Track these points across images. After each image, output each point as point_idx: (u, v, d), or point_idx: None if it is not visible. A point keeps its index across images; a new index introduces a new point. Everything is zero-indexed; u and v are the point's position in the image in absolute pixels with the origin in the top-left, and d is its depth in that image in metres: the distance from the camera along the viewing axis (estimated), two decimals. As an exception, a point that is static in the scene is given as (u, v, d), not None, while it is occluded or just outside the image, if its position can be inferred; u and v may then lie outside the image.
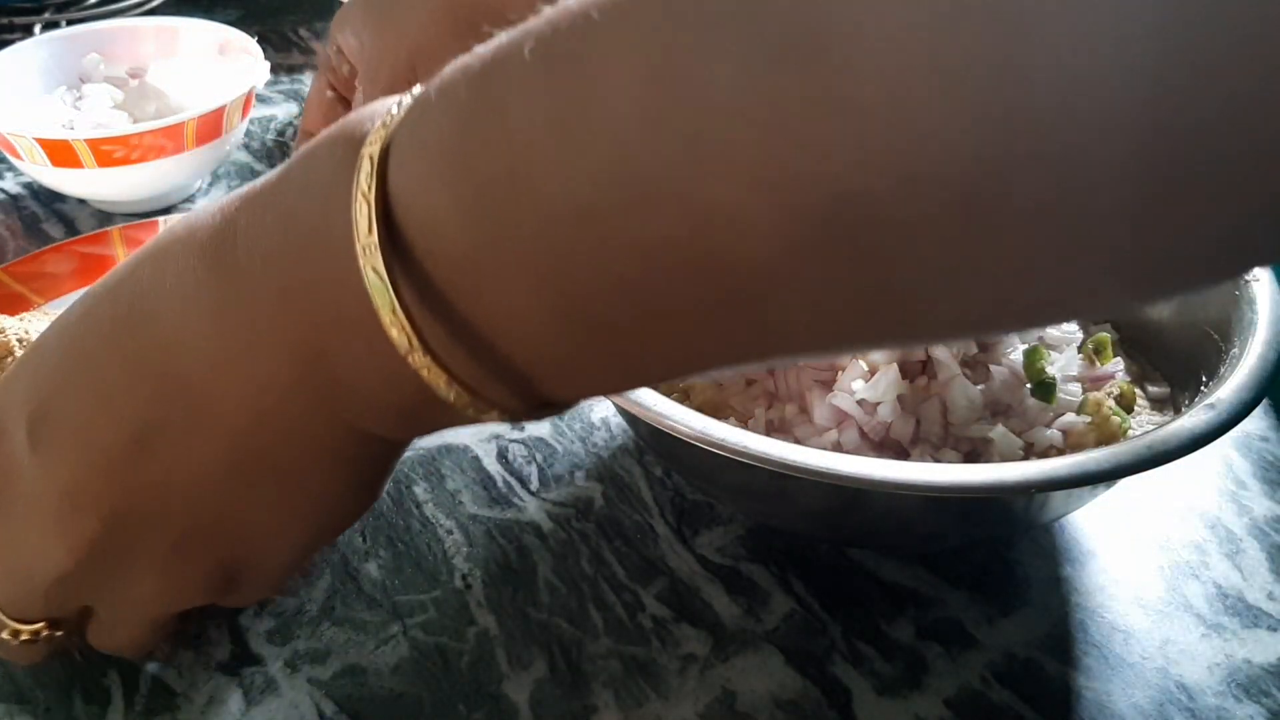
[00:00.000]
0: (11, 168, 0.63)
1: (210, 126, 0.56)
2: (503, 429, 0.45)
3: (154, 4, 0.77)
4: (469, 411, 0.24)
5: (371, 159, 0.22)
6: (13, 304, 0.49)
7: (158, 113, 0.60)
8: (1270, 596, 0.39)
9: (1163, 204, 0.16)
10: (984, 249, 0.18)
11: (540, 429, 0.46)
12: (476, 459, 0.44)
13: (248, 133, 0.66)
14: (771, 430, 0.39)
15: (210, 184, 0.63)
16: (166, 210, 0.59)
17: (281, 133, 0.68)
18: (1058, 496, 0.35)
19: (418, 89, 0.23)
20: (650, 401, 0.34)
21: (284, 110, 0.70)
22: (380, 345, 0.23)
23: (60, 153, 0.54)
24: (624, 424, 0.45)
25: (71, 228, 0.58)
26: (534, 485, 0.43)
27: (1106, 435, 0.39)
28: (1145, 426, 0.40)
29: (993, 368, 0.39)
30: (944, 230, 0.17)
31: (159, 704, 0.35)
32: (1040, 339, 0.41)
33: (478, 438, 0.45)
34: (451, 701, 0.35)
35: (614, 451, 0.45)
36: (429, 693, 0.35)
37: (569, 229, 0.20)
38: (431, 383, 0.23)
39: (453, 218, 0.22)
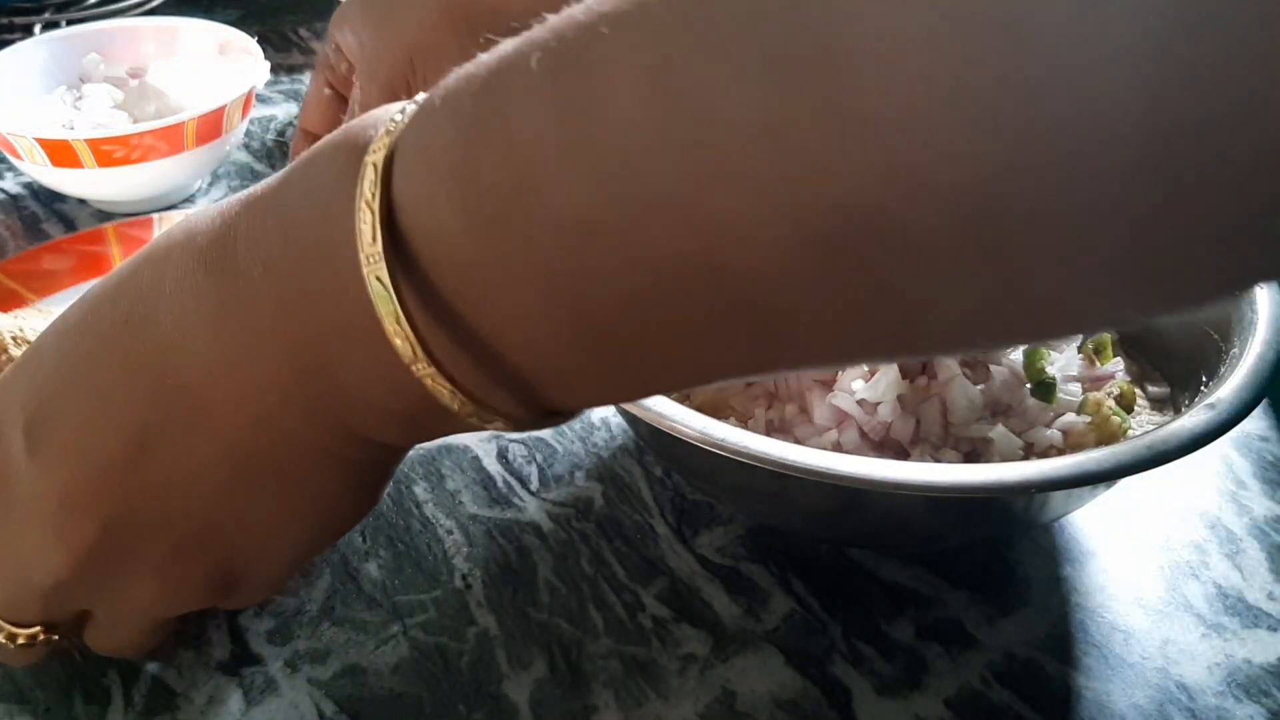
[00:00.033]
0: (11, 168, 0.63)
1: (210, 126, 0.56)
2: (503, 429, 0.45)
3: (154, 4, 0.77)
4: (473, 420, 0.24)
5: (375, 167, 0.22)
6: (7, 301, 0.49)
7: (158, 113, 0.60)
8: (1270, 596, 0.39)
9: (1167, 210, 0.16)
10: (990, 260, 0.18)
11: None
12: (476, 459, 0.44)
13: (248, 133, 0.66)
14: (771, 430, 0.39)
15: (210, 184, 0.63)
16: (166, 209, 0.59)
17: (281, 133, 0.68)
18: (1058, 496, 0.35)
19: (421, 96, 0.23)
20: (650, 401, 0.34)
21: (284, 110, 0.70)
22: (383, 354, 0.23)
23: (60, 153, 0.54)
24: (624, 424, 0.45)
25: (71, 228, 0.58)
26: (534, 485, 0.43)
27: (1106, 435, 0.39)
28: (1145, 426, 0.40)
29: (993, 368, 0.39)
30: (950, 242, 0.17)
31: (159, 704, 0.35)
32: (1040, 339, 0.41)
33: (478, 438, 0.45)
34: (451, 701, 0.35)
35: (614, 451, 0.45)
36: (429, 693, 0.35)
37: (575, 241, 0.20)
38: (435, 392, 0.23)
39: (458, 228, 0.21)
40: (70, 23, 0.73)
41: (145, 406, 0.26)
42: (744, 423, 0.39)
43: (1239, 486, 0.44)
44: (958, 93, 0.16)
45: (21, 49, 0.62)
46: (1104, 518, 0.42)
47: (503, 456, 0.44)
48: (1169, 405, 0.41)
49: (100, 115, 0.58)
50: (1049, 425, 0.39)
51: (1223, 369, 0.36)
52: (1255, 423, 0.47)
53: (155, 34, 0.65)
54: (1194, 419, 0.33)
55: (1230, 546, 0.41)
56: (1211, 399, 0.34)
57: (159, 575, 0.28)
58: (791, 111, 0.17)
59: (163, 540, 0.27)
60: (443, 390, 0.23)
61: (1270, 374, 0.35)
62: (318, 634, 0.37)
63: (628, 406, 0.34)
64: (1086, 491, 0.36)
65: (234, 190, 0.62)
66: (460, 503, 0.42)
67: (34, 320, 0.41)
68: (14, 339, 0.39)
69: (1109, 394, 0.40)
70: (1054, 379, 0.39)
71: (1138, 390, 0.42)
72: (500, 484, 0.43)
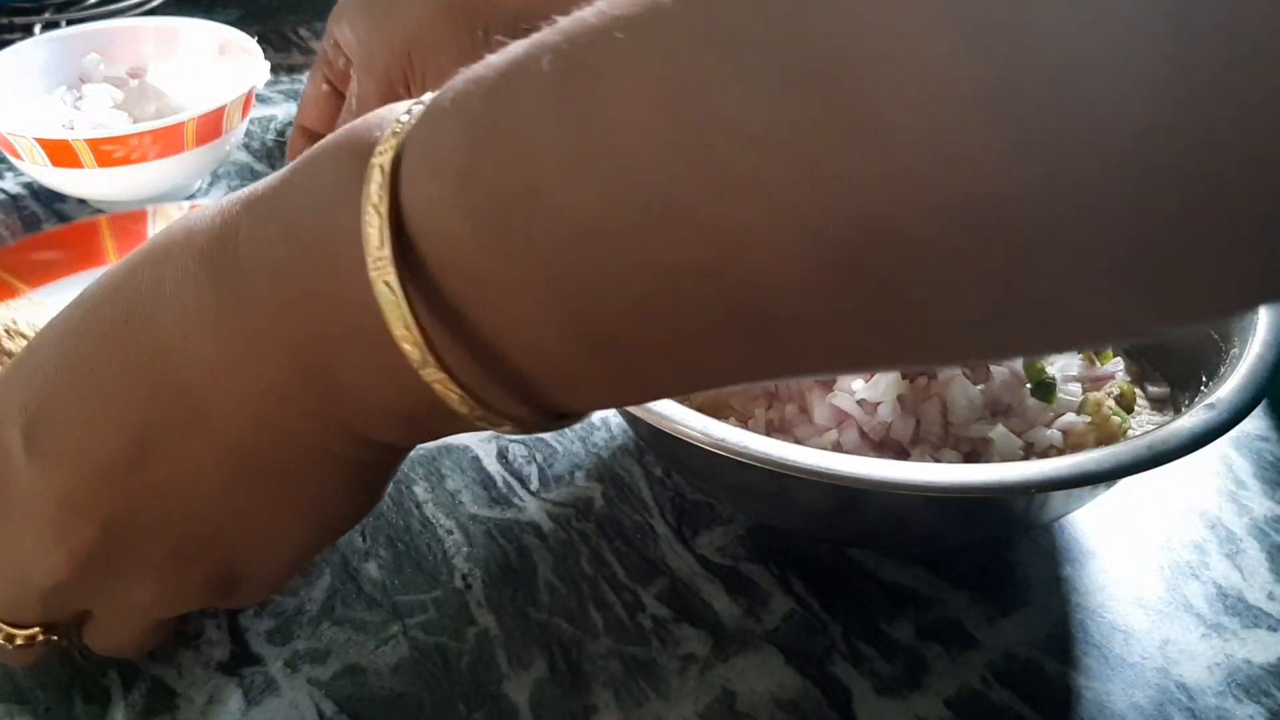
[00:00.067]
0: (11, 168, 0.63)
1: (210, 126, 0.56)
2: (503, 429, 0.45)
3: (154, 4, 0.77)
4: (481, 423, 0.24)
5: (383, 170, 0.22)
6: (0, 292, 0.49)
7: (158, 113, 0.60)
8: (1270, 596, 0.39)
9: (1184, 220, 0.16)
10: (1003, 269, 0.17)
11: (540, 429, 0.46)
12: (476, 459, 0.44)
13: (248, 133, 0.66)
14: (771, 430, 0.39)
15: (210, 184, 0.63)
16: (165, 209, 0.59)
17: (281, 133, 0.68)
18: (1058, 496, 0.35)
19: (428, 96, 0.23)
20: (650, 402, 0.34)
21: (284, 110, 0.70)
22: (389, 357, 0.23)
23: (60, 153, 0.54)
24: (624, 424, 0.45)
25: (71, 228, 0.58)
26: (534, 485, 0.43)
27: (1106, 435, 0.39)
28: (1145, 426, 0.40)
29: (993, 368, 0.39)
30: (964, 252, 0.17)
31: (159, 704, 0.35)
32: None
33: (478, 437, 0.45)
34: (451, 701, 0.35)
35: (614, 451, 0.45)
36: (429, 693, 0.35)
37: (584, 246, 0.20)
38: (444, 396, 0.23)
39: (466, 232, 0.21)
40: (70, 23, 0.73)
41: (145, 407, 0.26)
42: (744, 423, 0.39)
43: (1239, 486, 0.44)
44: (973, 102, 0.16)
45: (21, 49, 0.62)
46: (1104, 518, 0.42)
47: (503, 456, 0.44)
48: (1169, 405, 0.41)
49: (100, 115, 0.58)
50: (1049, 425, 0.39)
51: (1223, 369, 0.36)
52: (1255, 423, 0.47)
53: (155, 34, 0.65)
54: (1194, 419, 0.33)
55: (1230, 546, 0.41)
56: (1211, 399, 0.34)
57: (159, 576, 0.28)
58: (804, 121, 0.17)
59: (163, 541, 0.27)
60: (452, 394, 0.23)
61: (1270, 374, 0.35)
62: (318, 634, 0.37)
63: (629, 407, 0.34)
64: (1086, 491, 0.36)
65: (234, 190, 0.62)
66: (460, 503, 0.42)
67: (27, 311, 0.40)
68: (7, 331, 0.39)
69: (1109, 394, 0.40)
70: (1054, 379, 0.39)
71: (1138, 390, 0.42)
72: (500, 484, 0.43)
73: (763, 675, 0.36)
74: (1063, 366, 0.40)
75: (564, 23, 0.20)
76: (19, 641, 0.30)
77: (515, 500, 0.42)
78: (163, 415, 0.26)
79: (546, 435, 0.45)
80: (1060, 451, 0.38)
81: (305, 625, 0.37)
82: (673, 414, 0.33)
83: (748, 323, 0.20)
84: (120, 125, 0.58)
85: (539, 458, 0.44)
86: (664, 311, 0.20)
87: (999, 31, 0.15)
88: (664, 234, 0.19)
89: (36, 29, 0.73)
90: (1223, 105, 0.14)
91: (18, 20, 0.73)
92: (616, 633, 0.37)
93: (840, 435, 0.38)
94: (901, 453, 0.38)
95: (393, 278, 0.21)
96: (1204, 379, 0.37)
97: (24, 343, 0.38)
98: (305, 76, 0.73)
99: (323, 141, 0.25)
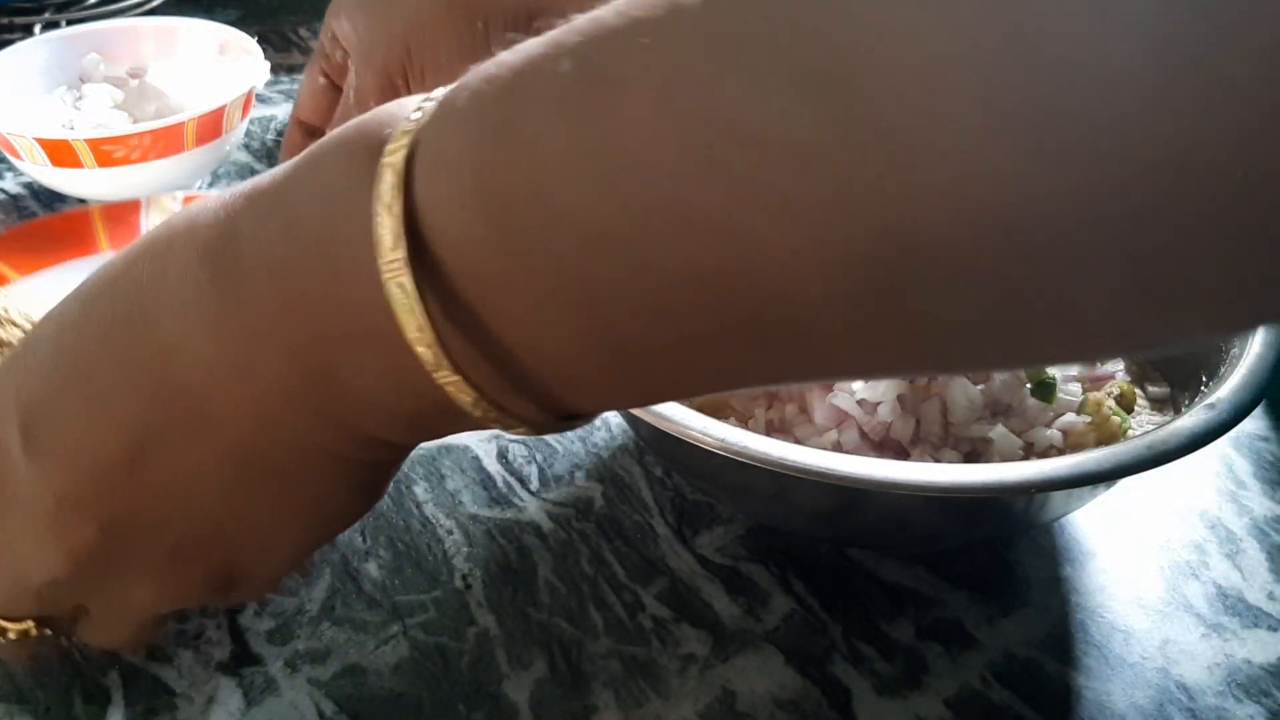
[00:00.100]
0: (11, 168, 0.63)
1: (210, 126, 0.56)
2: (503, 429, 0.45)
3: (154, 4, 0.77)
4: (493, 425, 0.23)
5: (395, 169, 0.21)
6: None
7: (158, 113, 0.60)
8: (1270, 596, 0.39)
9: (1202, 228, 0.16)
10: (1021, 281, 0.17)
11: (540, 429, 0.46)
12: (476, 459, 0.44)
13: (248, 133, 0.66)
14: (771, 430, 0.39)
15: (210, 184, 0.63)
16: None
17: (281, 133, 0.68)
18: (1058, 496, 0.35)
19: (440, 92, 0.23)
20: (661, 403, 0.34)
21: (284, 110, 0.70)
22: (397, 359, 0.22)
23: (60, 153, 0.54)
24: (624, 424, 0.45)
25: (71, 228, 0.58)
26: (534, 485, 0.43)
27: (1106, 435, 0.39)
28: (1145, 426, 0.40)
29: (993, 368, 0.39)
30: (989, 264, 0.17)
31: (159, 704, 0.35)
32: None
33: (478, 437, 0.45)
34: (451, 701, 0.35)
35: (614, 451, 0.45)
36: (429, 693, 0.35)
37: (603, 254, 0.20)
38: (457, 398, 0.22)
39: (481, 236, 0.21)
40: (70, 23, 0.73)
41: (145, 407, 0.26)
42: (744, 423, 0.39)
43: (1239, 486, 0.44)
44: (999, 115, 0.16)
45: (21, 49, 0.62)
46: (1104, 518, 0.42)
47: (503, 456, 0.44)
48: (1169, 405, 0.41)
49: (100, 115, 0.58)
50: (1049, 425, 0.39)
51: (1223, 369, 0.36)
52: (1255, 423, 0.47)
53: (155, 34, 0.65)
54: (1194, 419, 0.33)
55: (1230, 546, 0.41)
56: (1211, 399, 0.34)
57: (158, 575, 0.28)
58: (829, 132, 0.17)
59: (162, 541, 0.27)
60: (466, 397, 0.22)
61: (1270, 374, 0.35)
62: (318, 634, 0.37)
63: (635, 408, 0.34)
64: (1086, 491, 0.36)
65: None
66: (460, 503, 0.42)
67: (19, 299, 0.40)
68: None
69: (1109, 394, 0.40)
70: (1054, 379, 0.39)
71: (1138, 390, 0.42)
72: (500, 484, 0.43)
73: (763, 675, 0.36)
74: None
75: (582, 23, 0.20)
76: (11, 635, 0.30)
77: (515, 500, 0.42)
78: (163, 415, 0.26)
79: (546, 435, 0.45)
80: (1060, 451, 0.38)
81: (305, 625, 0.37)
82: (673, 414, 0.33)
83: (766, 331, 0.20)
84: (120, 125, 0.58)
85: (539, 458, 0.44)
86: (684, 319, 0.20)
87: (1024, 43, 0.15)
88: (684, 243, 0.19)
89: (36, 29, 0.73)
90: (1251, 115, 0.14)
91: (18, 20, 0.73)
92: (616, 633, 0.37)
93: (840, 435, 0.38)
94: (901, 453, 0.38)
95: (407, 280, 0.21)
96: (1204, 379, 0.37)
97: (16, 331, 0.38)
98: (305, 76, 0.73)
99: (328, 138, 0.24)
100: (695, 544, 0.41)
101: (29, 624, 0.30)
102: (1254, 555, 0.41)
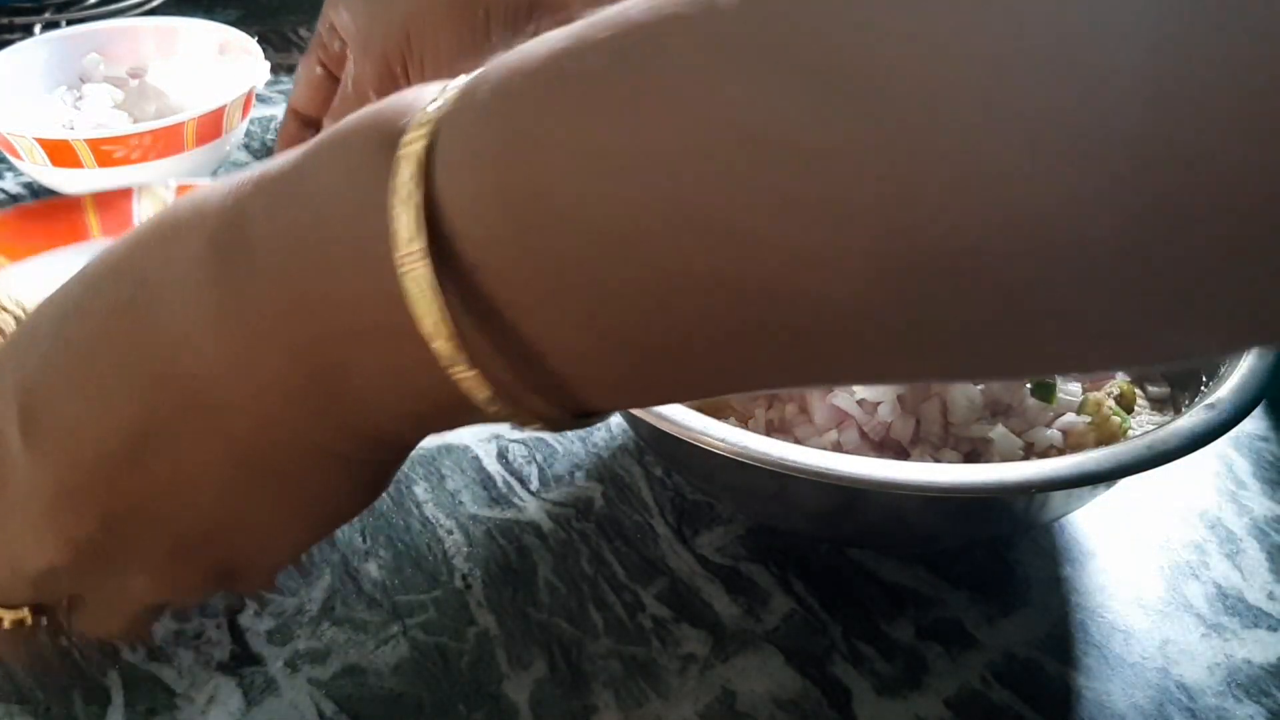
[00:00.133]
0: (11, 168, 0.63)
1: (210, 126, 0.56)
2: (503, 428, 0.45)
3: (154, 4, 0.77)
4: (504, 420, 0.23)
5: (414, 160, 0.21)
6: None
7: (158, 113, 0.60)
8: (1270, 596, 0.39)
9: (1250, 234, 0.16)
10: (1037, 284, 0.17)
11: (540, 429, 0.46)
12: (476, 459, 0.44)
13: (248, 133, 0.66)
14: (771, 430, 0.39)
15: (210, 184, 0.63)
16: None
17: (281, 133, 0.68)
18: (1058, 496, 0.35)
19: (460, 80, 0.22)
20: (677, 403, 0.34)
21: (283, 110, 0.70)
22: (410, 354, 0.22)
23: (60, 153, 0.54)
24: (624, 424, 0.45)
25: (71, 228, 0.58)
26: (534, 485, 0.43)
27: (1106, 435, 0.39)
28: (1145, 426, 0.40)
29: (993, 368, 0.39)
30: (1020, 271, 0.17)
31: (159, 704, 0.35)
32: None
33: (478, 438, 0.45)
34: (451, 701, 0.35)
35: (614, 451, 0.45)
36: (429, 693, 0.35)
37: (629, 256, 0.20)
38: (473, 394, 0.22)
39: (503, 230, 0.21)
40: (70, 23, 0.73)
41: (144, 404, 0.25)
42: (744, 423, 0.39)
43: (1239, 486, 0.44)
44: (1000, 115, 0.16)
45: (21, 49, 0.62)
46: (1104, 518, 0.42)
47: (503, 456, 0.44)
48: (1169, 405, 0.41)
49: (100, 115, 0.58)
50: (1049, 425, 0.39)
51: (1222, 369, 0.36)
52: (1255, 423, 0.47)
53: (155, 34, 0.65)
54: (1194, 419, 0.33)
55: (1230, 546, 0.41)
56: (1211, 399, 0.34)
57: (156, 570, 0.28)
58: (870, 141, 0.17)
59: (161, 537, 0.27)
60: (482, 394, 0.22)
61: (1269, 374, 0.35)
62: (318, 634, 0.37)
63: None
64: (1086, 491, 0.36)
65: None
66: (460, 503, 0.42)
67: (9, 284, 0.40)
68: None
69: (1109, 394, 0.40)
70: (1054, 379, 0.39)
71: (1138, 390, 0.42)
72: (500, 484, 0.43)
73: (763, 675, 0.36)
74: (1063, 366, 0.40)
75: (610, 15, 0.20)
76: (7, 624, 0.30)
77: (515, 500, 0.42)
78: (164, 411, 0.25)
79: (547, 435, 0.45)
80: (1060, 451, 0.38)
81: (305, 625, 0.37)
82: (673, 414, 0.33)
83: (792, 337, 0.20)
84: (120, 125, 0.58)
85: (539, 458, 0.44)
86: (709, 322, 0.20)
87: (1025, 44, 0.15)
88: (715, 248, 0.19)
89: (36, 29, 0.73)
90: (1255, 115, 0.14)
91: (18, 20, 0.73)
92: (616, 633, 0.37)
93: (840, 435, 0.38)
94: (901, 453, 0.38)
95: (425, 273, 0.21)
96: (1204, 379, 0.37)
97: (7, 317, 0.38)
98: (305, 76, 0.73)
99: (340, 125, 0.24)
100: (695, 544, 0.41)
101: (25, 612, 0.30)
102: (1254, 555, 0.41)
